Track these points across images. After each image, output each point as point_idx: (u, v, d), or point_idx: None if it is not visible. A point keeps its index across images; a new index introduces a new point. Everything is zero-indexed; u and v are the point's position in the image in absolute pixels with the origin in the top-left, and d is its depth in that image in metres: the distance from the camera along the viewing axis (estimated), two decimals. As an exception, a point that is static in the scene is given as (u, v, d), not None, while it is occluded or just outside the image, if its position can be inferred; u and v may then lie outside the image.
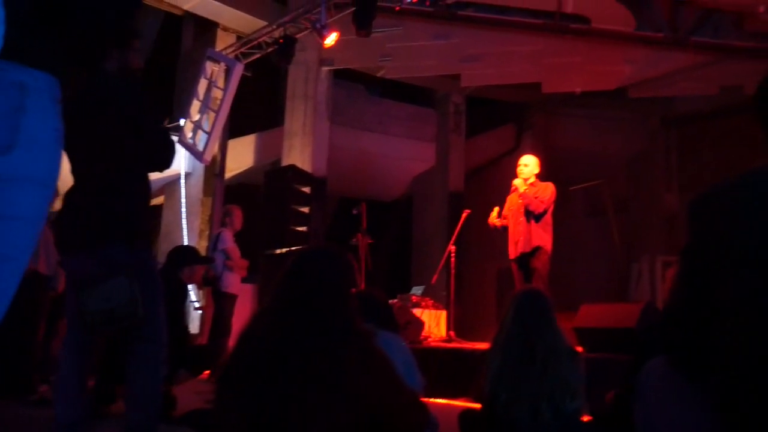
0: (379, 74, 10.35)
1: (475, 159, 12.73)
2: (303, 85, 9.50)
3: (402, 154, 12.25)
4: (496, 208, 5.92)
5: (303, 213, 7.01)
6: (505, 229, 5.88)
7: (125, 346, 2.63)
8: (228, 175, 10.66)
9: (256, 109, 10.87)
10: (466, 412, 2.77)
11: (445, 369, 5.19)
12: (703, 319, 1.11)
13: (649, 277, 12.57)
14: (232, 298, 6.07)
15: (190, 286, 7.95)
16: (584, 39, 8.62)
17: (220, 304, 6.07)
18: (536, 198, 5.60)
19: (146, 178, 2.74)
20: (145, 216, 2.73)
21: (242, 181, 11.34)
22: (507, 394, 2.44)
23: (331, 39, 6.66)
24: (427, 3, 5.76)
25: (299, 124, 9.54)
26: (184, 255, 4.21)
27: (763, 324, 1.02)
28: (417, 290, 8.92)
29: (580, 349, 4.88)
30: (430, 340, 7.70)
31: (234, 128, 10.37)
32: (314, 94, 9.60)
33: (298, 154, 9.40)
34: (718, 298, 1.07)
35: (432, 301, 8.46)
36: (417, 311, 8.16)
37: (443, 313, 8.06)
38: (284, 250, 6.96)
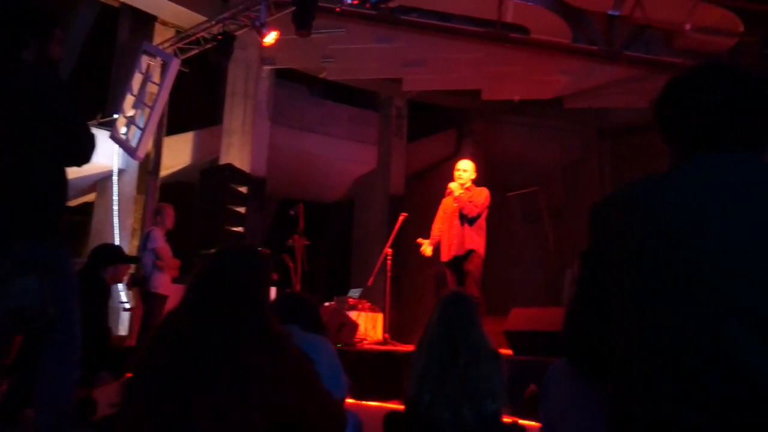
0: (321, 75, 10.30)
1: (416, 163, 12.83)
2: (243, 84, 9.37)
3: (343, 156, 12.23)
4: (424, 241, 6.00)
5: (239, 213, 6.89)
6: (439, 244, 5.95)
7: (37, 348, 2.51)
8: (164, 172, 10.40)
9: (194, 106, 10.65)
10: (391, 414, 2.77)
11: (379, 371, 5.19)
12: (597, 322, 1.14)
13: (581, 282, 12.94)
14: (162, 299, 5.90)
15: (120, 286, 7.72)
16: (523, 49, 8.82)
17: (149, 305, 5.90)
18: (470, 202, 5.67)
19: (63, 172, 2.63)
20: (61, 212, 2.61)
21: (179, 179, 11.09)
22: (430, 395, 2.45)
23: (270, 38, 6.57)
24: (368, 6, 5.75)
25: (238, 123, 9.40)
26: (107, 254, 4.07)
27: (636, 327, 1.05)
28: (354, 293, 8.90)
29: (509, 351, 4.96)
30: (365, 342, 7.70)
31: (171, 125, 10.13)
32: (254, 93, 9.48)
33: (236, 153, 9.25)
34: (609, 301, 1.10)
35: (369, 304, 8.45)
36: (353, 314, 8.14)
37: (380, 316, 8.06)
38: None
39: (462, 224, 5.68)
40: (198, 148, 10.74)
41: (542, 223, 12.25)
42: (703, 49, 8.29)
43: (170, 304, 6.13)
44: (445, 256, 5.78)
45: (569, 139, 13.28)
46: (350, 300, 8.33)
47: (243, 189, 6.96)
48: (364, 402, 5.15)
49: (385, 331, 7.57)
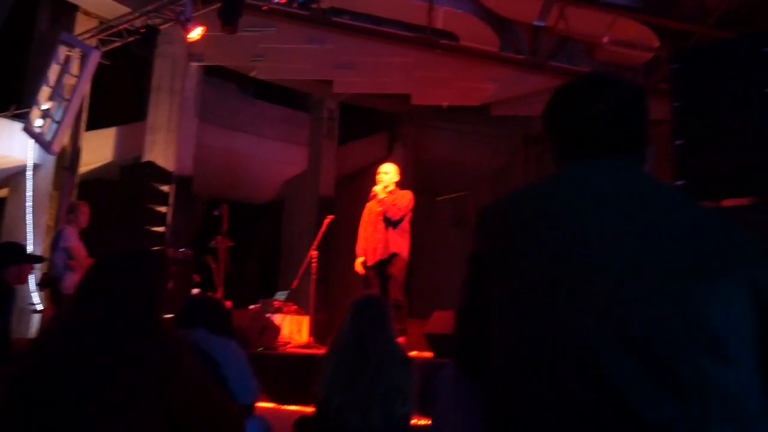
0: (251, 74, 10.15)
1: (347, 165, 12.82)
2: (169, 80, 9.12)
3: (274, 157, 12.09)
4: (359, 260, 6.01)
5: (160, 213, 6.69)
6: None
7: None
8: (84, 169, 10.00)
9: (117, 100, 10.28)
10: (301, 419, 2.74)
11: (300, 375, 5.13)
12: (477, 324, 1.16)
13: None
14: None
15: (31, 287, 7.35)
16: (452, 55, 8.96)
17: (60, 307, 5.64)
18: (394, 205, 5.71)
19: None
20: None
21: (101, 176, 10.69)
22: (340, 399, 2.44)
23: (195, 33, 6.42)
24: (295, 6, 5.70)
25: (163, 120, 9.14)
26: (9, 253, 3.86)
27: (507, 332, 1.08)
28: (281, 295, 8.80)
29: (430, 354, 5.01)
30: (290, 345, 7.62)
31: (92, 119, 9.74)
32: (181, 90, 9.25)
33: (161, 150, 9.00)
34: (487, 305, 1.13)
35: (295, 307, 8.37)
36: (278, 317, 8.05)
37: (305, 319, 7.99)
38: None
39: (386, 227, 5.70)
40: (120, 144, 10.38)
41: (470, 228, 12.48)
42: (622, 62, 8.66)
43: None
44: (369, 260, 5.79)
45: (497, 146, 13.59)
46: (275, 303, 8.22)
47: (165, 188, 6.77)
48: (284, 406, 5.10)
49: (310, 334, 7.51)
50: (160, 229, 6.72)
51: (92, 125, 9.82)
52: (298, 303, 8.34)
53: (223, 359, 2.42)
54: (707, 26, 7.45)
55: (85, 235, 6.00)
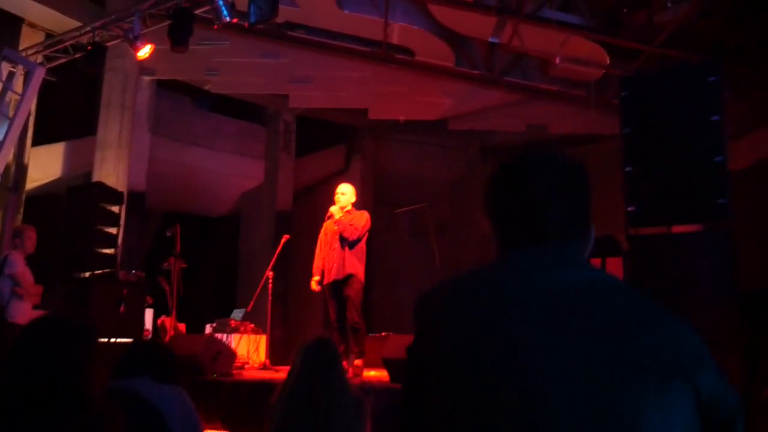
0: (206, 87, 9.99)
1: (304, 178, 12.72)
2: (120, 94, 8.89)
3: (230, 171, 11.91)
4: (314, 279, 5.94)
5: (110, 234, 6.49)
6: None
7: None
8: (31, 185, 9.68)
9: (65, 114, 9.98)
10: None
11: (256, 403, 5.03)
12: (418, 419, 1.11)
13: (466, 296, 13.33)
14: (20, 330, 5.43)
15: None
16: (408, 70, 8.98)
17: (6, 337, 5.41)
18: (351, 225, 5.66)
19: None
20: None
21: (50, 191, 10.35)
22: (290, 448, 2.37)
23: (144, 51, 6.26)
24: (246, 25, 5.62)
25: (114, 136, 8.90)
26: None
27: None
28: (238, 314, 8.66)
29: (387, 377, 4.97)
30: (247, 366, 7.48)
31: (40, 135, 9.44)
32: (133, 104, 9.02)
33: (111, 168, 8.77)
34: (424, 399, 1.08)
35: (252, 326, 8.24)
36: (235, 337, 7.92)
37: (263, 338, 7.88)
38: (87, 274, 6.39)
39: (342, 248, 5.64)
40: (69, 160, 10.09)
41: (429, 239, 12.49)
42: (575, 78, 8.80)
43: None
44: (325, 280, 5.72)
45: (454, 157, 13.68)
46: (232, 322, 8.09)
47: (115, 208, 6.57)
48: (239, 435, 4.99)
49: (267, 353, 7.39)
50: (110, 251, 6.52)
51: (39, 141, 9.51)
52: (255, 320, 8.21)
53: (168, 411, 2.34)
54: (655, 45, 7.62)
55: (33, 258, 5.78)
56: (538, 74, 8.96)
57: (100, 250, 6.50)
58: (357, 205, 12.90)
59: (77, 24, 8.71)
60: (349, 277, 5.59)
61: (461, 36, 8.64)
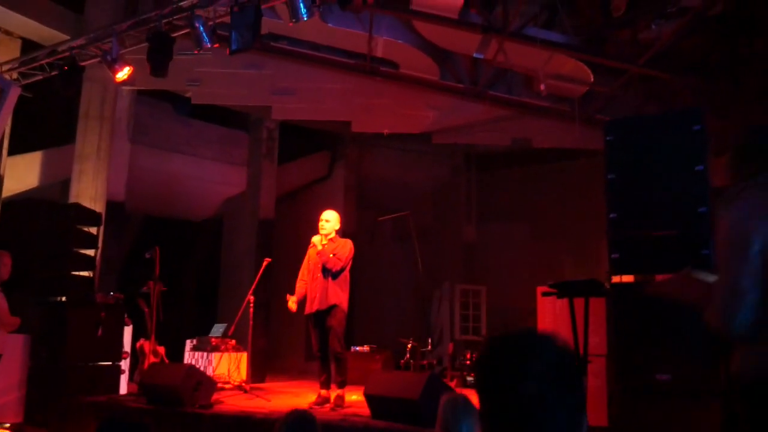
0: (187, 94, 9.83)
1: (287, 183, 12.62)
2: (99, 105, 8.73)
3: (212, 178, 11.78)
4: (291, 298, 5.87)
5: (87, 256, 6.38)
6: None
7: None
8: (7, 194, 9.50)
9: (42, 123, 9.77)
10: None
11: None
12: None
13: (448, 303, 13.36)
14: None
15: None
16: (392, 83, 8.91)
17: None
18: (335, 255, 5.59)
19: None
20: None
21: (29, 197, 10.13)
22: None
23: (122, 74, 6.13)
24: (228, 52, 5.51)
25: (92, 147, 8.74)
26: None
27: None
28: (218, 329, 8.58)
29: (368, 412, 4.93)
30: (228, 386, 7.42)
31: (16, 144, 9.24)
32: (111, 115, 8.87)
33: (90, 180, 8.63)
34: None
35: (233, 343, 8.18)
36: (216, 355, 7.86)
37: (244, 355, 7.83)
38: (63, 298, 6.28)
39: (325, 278, 5.58)
40: (47, 169, 9.90)
41: (412, 245, 12.47)
42: (559, 94, 8.78)
43: (5, 361, 5.55)
44: (308, 309, 5.66)
45: (438, 165, 13.66)
46: (213, 340, 8.02)
47: (92, 230, 6.45)
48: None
49: (249, 371, 7.32)
50: (87, 273, 6.40)
51: (16, 150, 9.32)
52: (237, 334, 8.11)
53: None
54: (638, 65, 7.62)
55: (9, 282, 5.62)
56: (523, 88, 8.94)
57: (77, 273, 6.38)
58: (341, 211, 12.84)
59: (54, 33, 8.56)
60: (333, 307, 5.53)
61: (446, 50, 8.58)
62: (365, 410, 4.97)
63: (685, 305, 2.35)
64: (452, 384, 9.52)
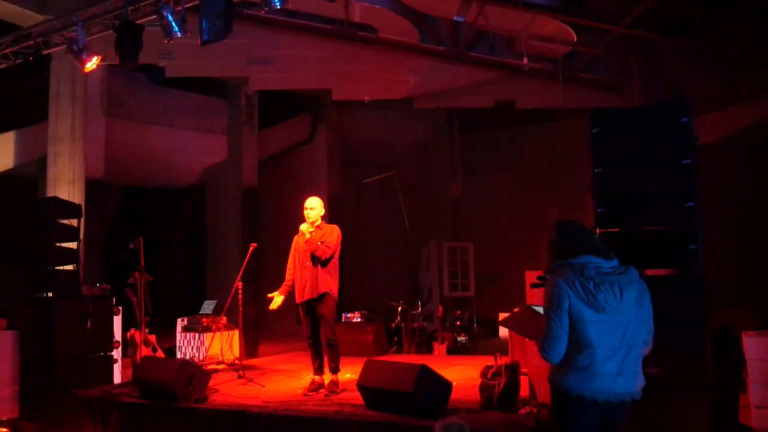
0: (161, 64, 9.51)
1: (269, 149, 12.45)
2: (69, 84, 8.44)
3: (191, 148, 11.58)
4: (275, 296, 5.84)
5: (69, 250, 6.28)
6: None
7: None
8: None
9: (12, 102, 9.46)
10: None
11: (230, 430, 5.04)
12: None
13: (437, 261, 13.45)
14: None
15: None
16: (371, 47, 8.68)
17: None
18: (322, 243, 5.53)
19: None
20: None
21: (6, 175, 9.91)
22: None
23: (91, 64, 5.89)
24: (199, 43, 5.29)
25: (66, 128, 8.51)
26: None
27: None
28: (208, 306, 8.55)
29: (368, 404, 4.97)
30: (223, 365, 7.47)
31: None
32: (84, 94, 8.60)
33: (66, 161, 8.45)
34: None
35: (224, 321, 8.18)
36: (208, 335, 7.87)
37: (236, 333, 7.83)
38: (49, 294, 6.21)
39: (315, 265, 5.53)
40: (21, 149, 9.66)
41: (398, 204, 12.43)
42: (542, 54, 8.62)
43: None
44: (299, 298, 5.64)
45: (420, 122, 13.51)
46: (204, 320, 8.01)
47: (73, 222, 6.33)
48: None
49: (241, 354, 7.35)
50: (71, 267, 6.32)
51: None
52: (228, 313, 8.08)
53: None
54: (622, 26, 7.47)
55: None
56: (505, 49, 8.75)
57: (60, 268, 6.30)
58: (325, 173, 12.61)
59: (19, 9, 8.18)
60: (323, 295, 5.51)
61: (425, 14, 8.34)
62: (358, 394, 5.02)
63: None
64: (443, 346, 9.71)
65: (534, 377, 4.72)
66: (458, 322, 10.47)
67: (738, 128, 8.02)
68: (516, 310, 3.17)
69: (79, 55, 5.75)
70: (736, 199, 7.53)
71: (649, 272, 3.83)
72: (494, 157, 12.88)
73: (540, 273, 3.03)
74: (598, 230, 3.88)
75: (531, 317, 3.05)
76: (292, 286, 5.75)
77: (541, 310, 2.92)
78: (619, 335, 2.70)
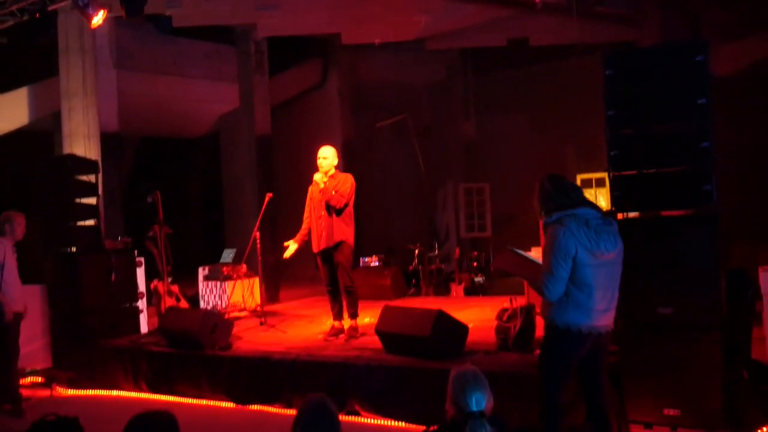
0: (168, 13, 9.39)
1: (280, 95, 12.34)
2: (78, 38, 8.36)
3: (202, 97, 11.51)
4: (290, 244, 5.89)
5: (89, 205, 6.38)
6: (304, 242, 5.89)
7: None
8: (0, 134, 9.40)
9: (23, 60, 9.42)
10: None
11: (255, 376, 5.21)
12: None
13: (453, 202, 13.47)
14: (16, 318, 5.46)
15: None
16: (381, -13, 8.49)
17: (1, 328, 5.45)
18: (336, 192, 5.58)
19: None
20: None
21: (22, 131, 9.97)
22: None
23: (97, 19, 5.83)
24: None
25: (78, 82, 8.48)
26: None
27: None
28: (228, 255, 8.72)
29: (387, 348, 5.11)
30: (245, 312, 7.67)
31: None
32: (92, 48, 8.52)
33: (80, 117, 8.46)
34: None
35: (244, 269, 8.34)
36: (229, 284, 8.04)
37: (256, 281, 7.99)
38: (73, 249, 6.36)
39: (330, 215, 5.60)
40: (35, 104, 9.69)
41: (412, 146, 12.37)
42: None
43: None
44: (315, 248, 5.73)
45: (434, 62, 13.27)
46: (224, 269, 8.17)
47: (91, 178, 6.41)
48: (245, 407, 5.22)
49: (262, 301, 7.50)
50: (91, 222, 6.44)
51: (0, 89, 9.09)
52: (247, 260, 8.21)
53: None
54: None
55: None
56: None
57: (82, 223, 6.42)
58: (338, 118, 12.46)
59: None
60: (339, 243, 5.60)
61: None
62: (377, 339, 5.15)
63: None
64: (461, 287, 9.85)
65: (549, 318, 4.79)
66: (475, 263, 10.57)
67: (759, 58, 7.81)
68: (498, 253, 3.61)
69: (85, 9, 5.70)
70: (753, 131, 7.41)
71: (664, 213, 3.83)
72: (509, 96, 12.67)
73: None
74: (612, 172, 3.87)
75: (517, 259, 3.35)
76: (308, 235, 5.84)
77: (522, 252, 3.37)
78: (610, 277, 3.11)
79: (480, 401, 2.73)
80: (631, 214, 3.89)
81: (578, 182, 12.85)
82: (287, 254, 5.94)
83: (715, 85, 3.67)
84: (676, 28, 8.31)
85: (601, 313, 3.08)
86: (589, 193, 12.59)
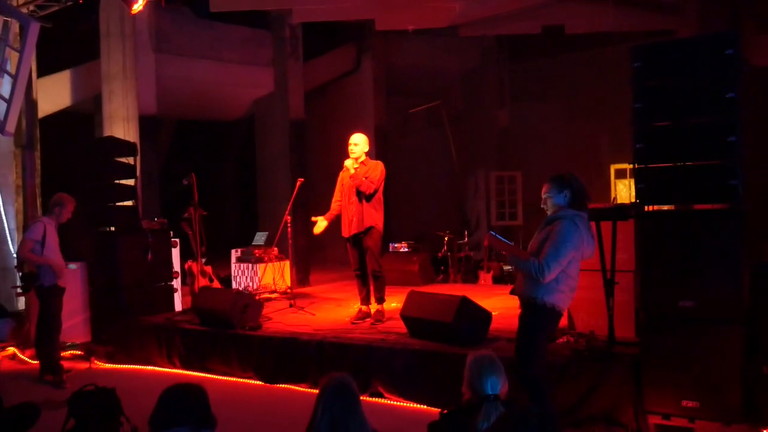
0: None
1: (315, 80, 12.46)
2: (118, 22, 8.60)
3: (238, 81, 11.67)
4: (319, 220, 6.00)
5: (128, 186, 6.61)
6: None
7: None
8: (43, 115, 9.69)
9: (66, 44, 9.69)
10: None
11: (284, 356, 5.38)
12: None
13: (484, 190, 13.45)
14: (58, 291, 5.72)
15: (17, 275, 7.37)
16: (416, -26, 8.50)
17: (45, 301, 5.72)
18: (367, 179, 5.68)
19: None
20: None
21: (65, 112, 10.28)
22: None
23: (138, 5, 6.00)
24: None
25: (118, 66, 8.73)
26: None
27: None
28: (260, 238, 8.91)
29: (411, 332, 5.21)
30: (276, 294, 7.85)
31: (43, 65, 9.27)
32: (132, 32, 8.75)
33: (120, 100, 8.71)
34: None
35: (276, 252, 8.53)
36: (260, 266, 8.24)
37: (287, 264, 8.17)
38: (112, 228, 6.60)
39: (360, 201, 5.71)
40: (77, 87, 9.97)
41: (444, 132, 12.39)
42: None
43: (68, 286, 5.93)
44: (345, 232, 5.86)
45: (468, 48, 13.21)
46: (256, 251, 8.36)
47: (129, 160, 6.63)
48: (274, 385, 5.39)
49: (293, 283, 7.67)
50: (130, 203, 6.67)
51: (44, 71, 9.36)
52: (278, 241, 8.41)
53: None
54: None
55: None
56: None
57: (120, 204, 6.65)
58: (371, 104, 12.51)
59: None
60: (369, 229, 5.74)
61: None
62: (402, 323, 5.26)
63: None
64: (489, 275, 9.89)
65: (572, 308, 4.84)
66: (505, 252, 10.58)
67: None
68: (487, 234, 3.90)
69: (126, -4, 5.87)
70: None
71: (689, 207, 3.84)
72: (543, 84, 12.57)
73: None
74: (636, 165, 3.88)
75: (498, 242, 3.79)
76: (337, 216, 5.97)
77: (500, 236, 3.82)
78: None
79: (495, 385, 2.82)
80: (656, 207, 3.90)
81: (612, 173, 12.79)
82: (317, 230, 6.07)
83: (754, 75, 3.65)
84: (716, 16, 8.14)
85: (571, 297, 3.63)
86: (622, 184, 12.53)
